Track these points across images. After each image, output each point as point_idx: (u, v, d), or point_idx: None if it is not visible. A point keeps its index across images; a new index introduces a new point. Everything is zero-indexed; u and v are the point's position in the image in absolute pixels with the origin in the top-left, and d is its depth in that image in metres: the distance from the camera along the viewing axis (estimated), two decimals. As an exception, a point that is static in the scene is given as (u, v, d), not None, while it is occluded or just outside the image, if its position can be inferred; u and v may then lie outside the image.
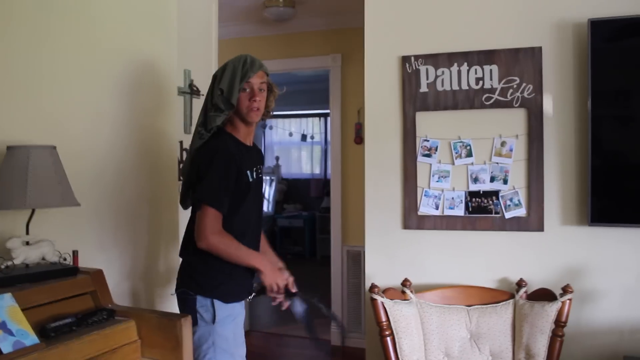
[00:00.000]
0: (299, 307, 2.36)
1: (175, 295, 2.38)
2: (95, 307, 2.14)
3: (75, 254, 2.24)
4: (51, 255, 2.14)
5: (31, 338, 1.75)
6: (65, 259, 2.21)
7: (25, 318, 1.79)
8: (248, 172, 2.32)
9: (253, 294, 2.40)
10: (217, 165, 2.23)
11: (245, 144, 2.40)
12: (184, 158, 3.28)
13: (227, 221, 2.26)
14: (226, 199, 2.23)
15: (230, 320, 2.29)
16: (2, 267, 1.99)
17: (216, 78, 2.36)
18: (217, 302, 2.26)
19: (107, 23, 2.73)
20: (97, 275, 2.23)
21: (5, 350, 1.67)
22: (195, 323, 2.22)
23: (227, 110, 2.31)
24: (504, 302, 2.83)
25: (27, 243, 2.09)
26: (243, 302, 2.41)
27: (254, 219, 2.43)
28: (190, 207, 2.40)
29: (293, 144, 10.29)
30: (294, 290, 2.37)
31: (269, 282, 2.28)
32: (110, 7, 2.75)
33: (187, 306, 2.28)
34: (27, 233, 2.11)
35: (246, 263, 2.28)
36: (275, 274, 2.32)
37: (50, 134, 2.36)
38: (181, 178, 2.53)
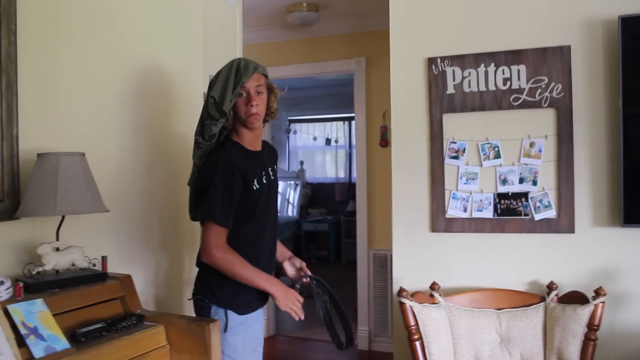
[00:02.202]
0: (319, 304, 2.37)
1: (192, 301, 2.38)
2: (125, 312, 2.16)
3: (104, 259, 2.26)
4: (81, 261, 2.17)
5: (62, 343, 1.76)
6: (94, 265, 2.23)
7: (56, 323, 1.81)
8: (256, 180, 2.28)
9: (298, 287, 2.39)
10: (219, 179, 2.18)
11: (252, 150, 2.34)
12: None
13: (237, 231, 2.24)
14: (230, 214, 2.19)
15: (241, 330, 2.28)
16: (33, 273, 2.02)
17: (211, 85, 2.29)
18: (230, 312, 2.26)
19: (134, 31, 2.76)
20: (126, 281, 2.24)
21: (37, 355, 1.68)
22: None
23: (221, 118, 2.23)
24: (534, 306, 2.78)
25: (57, 249, 2.12)
26: (260, 310, 2.39)
27: (270, 224, 2.40)
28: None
29: (317, 148, 10.29)
30: (308, 275, 2.43)
31: (283, 307, 2.25)
32: (137, 16, 2.77)
33: (202, 313, 2.30)
34: (57, 239, 2.13)
35: (254, 284, 2.23)
36: (287, 296, 2.27)
37: (79, 141, 2.39)
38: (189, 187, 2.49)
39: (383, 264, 4.89)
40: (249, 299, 2.31)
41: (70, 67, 2.40)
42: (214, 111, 2.22)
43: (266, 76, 2.32)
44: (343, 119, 9.93)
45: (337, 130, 10.17)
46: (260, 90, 2.27)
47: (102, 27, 2.57)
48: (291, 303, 2.26)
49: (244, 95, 2.24)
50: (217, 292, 2.27)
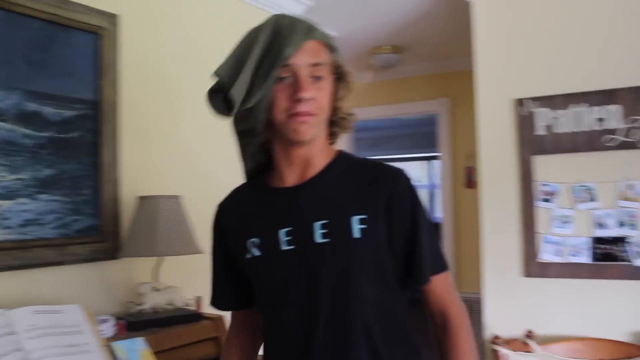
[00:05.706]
0: None
1: None
2: (217, 354, 2.19)
3: (198, 299, 2.32)
4: (178, 300, 2.24)
5: (161, 382, 1.82)
6: (188, 305, 2.30)
7: (156, 362, 1.87)
8: (248, 243, 1.29)
9: None
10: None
11: (276, 187, 1.31)
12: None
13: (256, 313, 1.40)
14: (218, 289, 1.51)
15: None
16: (134, 311, 2.10)
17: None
18: None
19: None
20: (219, 322, 2.29)
21: (138, 394, 1.74)
22: None
23: (228, 112, 1.30)
24: (637, 357, 2.63)
25: (156, 289, 2.20)
26: None
27: (280, 315, 1.27)
28: None
29: (399, 188, 10.20)
30: None
31: None
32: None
33: None
34: (156, 279, 2.21)
35: None
36: None
37: (174, 183, 2.49)
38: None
39: (471, 308, 4.75)
40: None
41: (166, 116, 2.52)
42: (220, 108, 1.32)
43: (331, 48, 1.27)
44: (424, 159, 9.86)
45: (418, 170, 10.11)
46: (320, 72, 1.22)
47: (197, 75, 2.69)
48: None
49: (288, 78, 1.18)
50: None
